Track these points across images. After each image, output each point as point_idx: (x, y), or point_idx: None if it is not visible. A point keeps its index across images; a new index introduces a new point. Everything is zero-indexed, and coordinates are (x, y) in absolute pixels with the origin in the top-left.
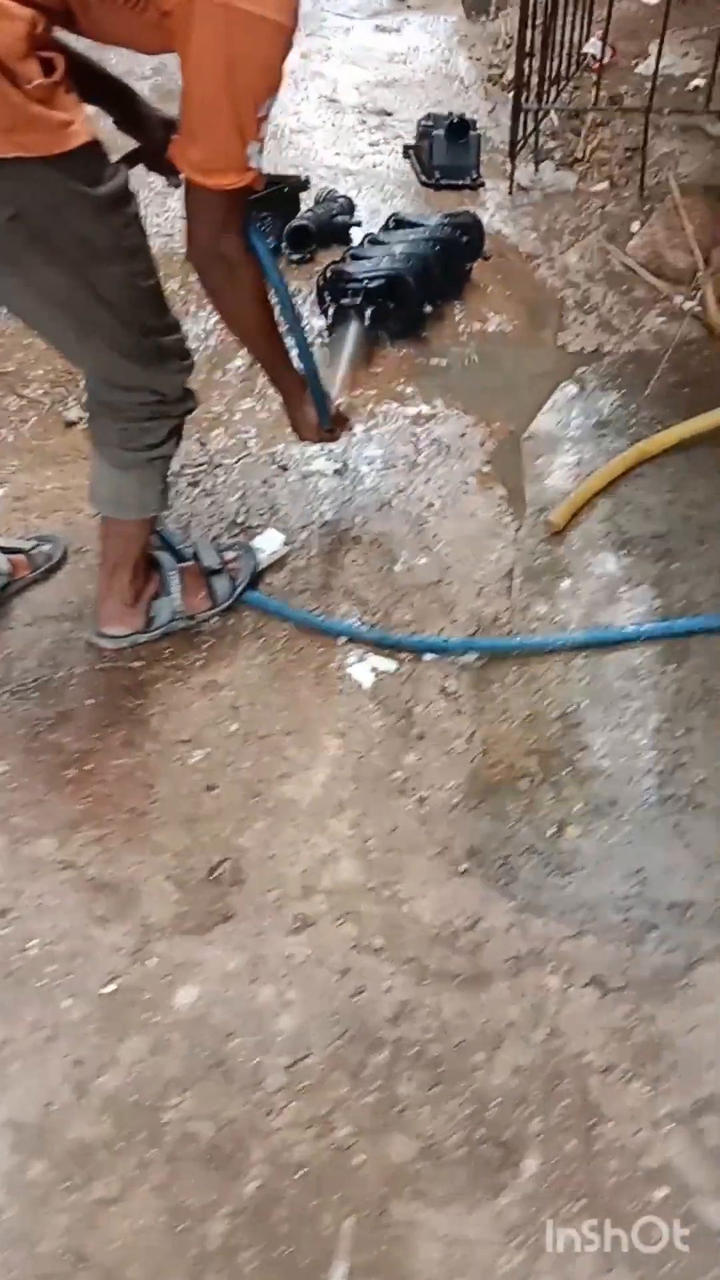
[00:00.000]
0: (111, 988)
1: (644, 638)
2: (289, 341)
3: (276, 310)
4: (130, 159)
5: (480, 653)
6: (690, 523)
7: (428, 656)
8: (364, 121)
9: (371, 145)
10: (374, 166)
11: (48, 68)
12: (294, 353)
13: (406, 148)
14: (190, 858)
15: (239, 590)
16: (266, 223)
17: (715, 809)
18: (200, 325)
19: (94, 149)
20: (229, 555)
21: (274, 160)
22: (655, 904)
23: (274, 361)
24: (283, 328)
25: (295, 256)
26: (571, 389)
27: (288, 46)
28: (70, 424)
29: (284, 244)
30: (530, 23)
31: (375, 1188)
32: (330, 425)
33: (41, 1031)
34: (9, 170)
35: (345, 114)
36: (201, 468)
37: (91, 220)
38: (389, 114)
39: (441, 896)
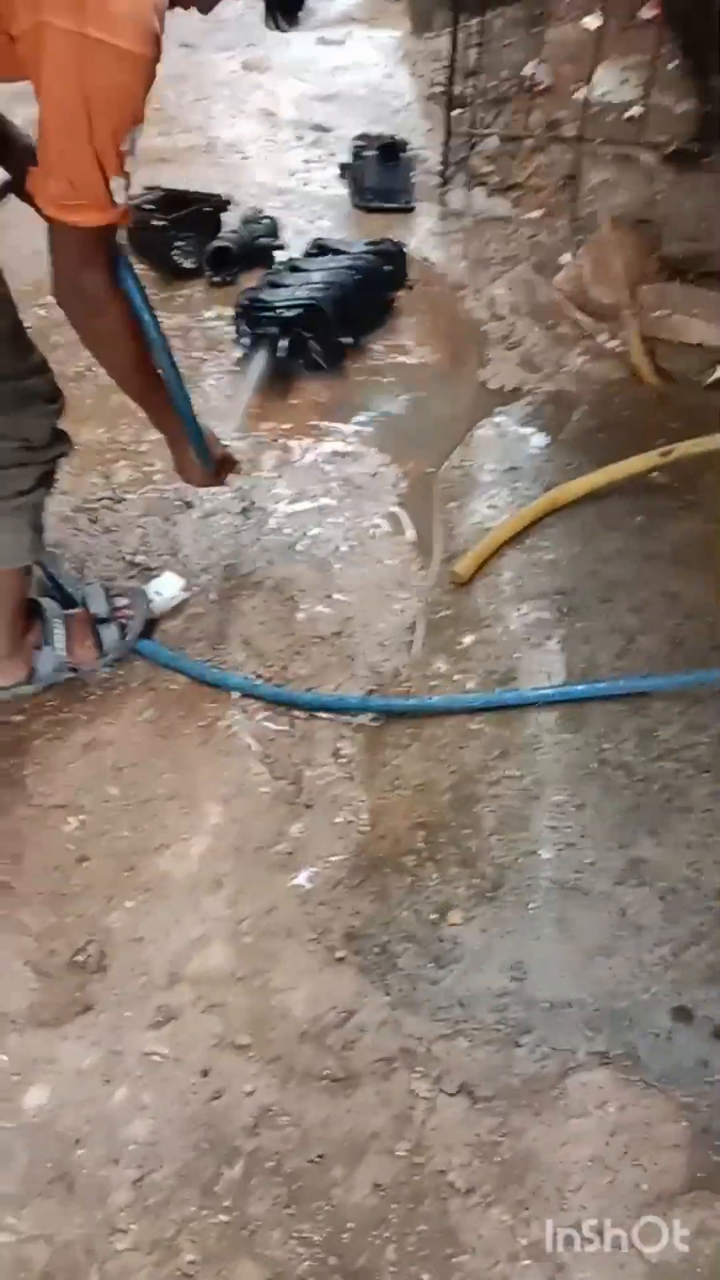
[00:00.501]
0: None
1: (541, 702)
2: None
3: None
4: (0, 190)
5: (376, 713)
6: (597, 578)
7: (323, 714)
8: (300, 137)
9: (305, 163)
10: (306, 185)
11: None
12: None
13: (342, 166)
14: (53, 940)
15: (129, 640)
16: (189, 243)
17: (602, 895)
18: None
19: None
20: (120, 602)
21: (204, 175)
22: (532, 1003)
23: (149, 403)
24: (158, 368)
25: (216, 279)
26: (488, 429)
27: (149, 76)
28: None
29: (205, 265)
30: (459, 44)
31: None
32: (214, 468)
33: None
34: None
35: (281, 129)
36: (102, 502)
37: None
38: (326, 130)
39: (315, 987)
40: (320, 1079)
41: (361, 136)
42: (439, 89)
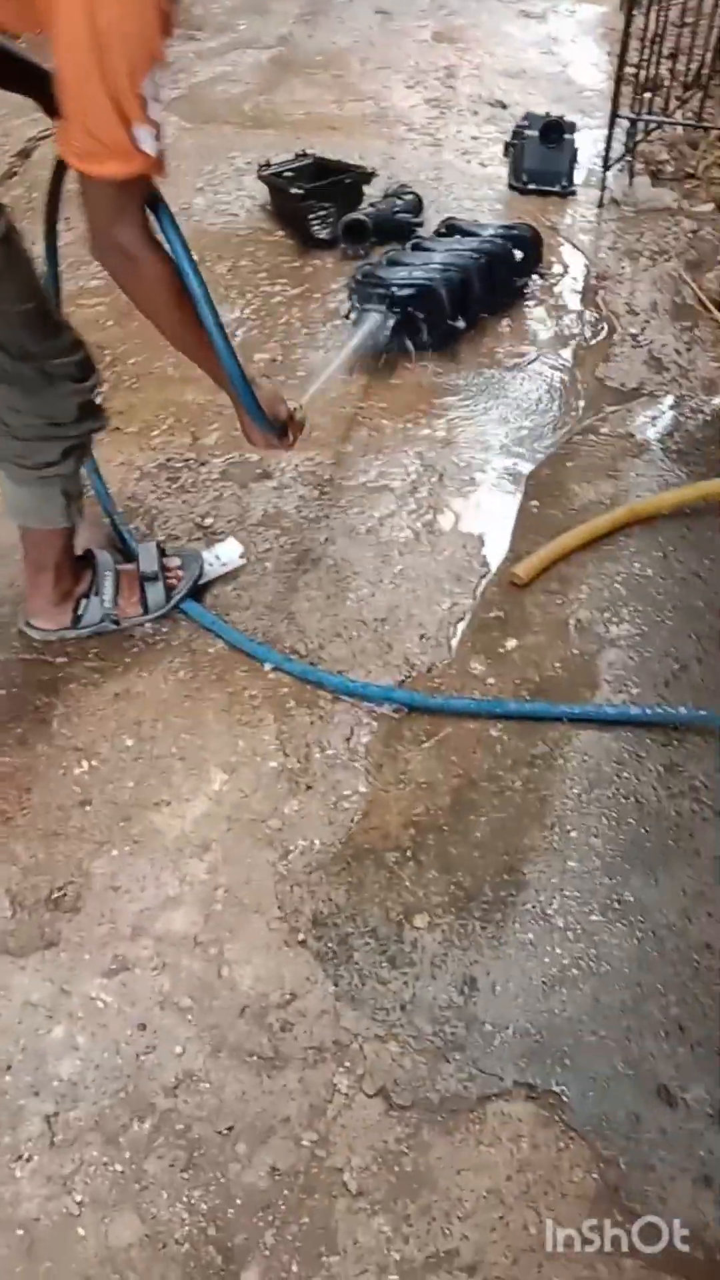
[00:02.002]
0: None
1: (567, 719)
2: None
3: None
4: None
5: (398, 704)
6: (663, 598)
7: (345, 698)
8: (475, 113)
9: (473, 139)
10: (468, 163)
11: None
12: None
13: (507, 145)
14: (37, 875)
15: (175, 601)
16: (328, 213)
17: (576, 926)
18: (234, 312)
19: None
20: (172, 563)
21: (366, 145)
22: (473, 1021)
23: (201, 360)
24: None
25: (349, 251)
26: (595, 428)
27: (163, 17)
28: None
29: (339, 236)
30: (663, 23)
31: (84, 1266)
32: (277, 430)
33: None
34: None
35: (457, 103)
36: (187, 462)
37: None
38: (504, 106)
39: (267, 965)
40: (249, 1055)
41: (526, 115)
42: (633, 70)
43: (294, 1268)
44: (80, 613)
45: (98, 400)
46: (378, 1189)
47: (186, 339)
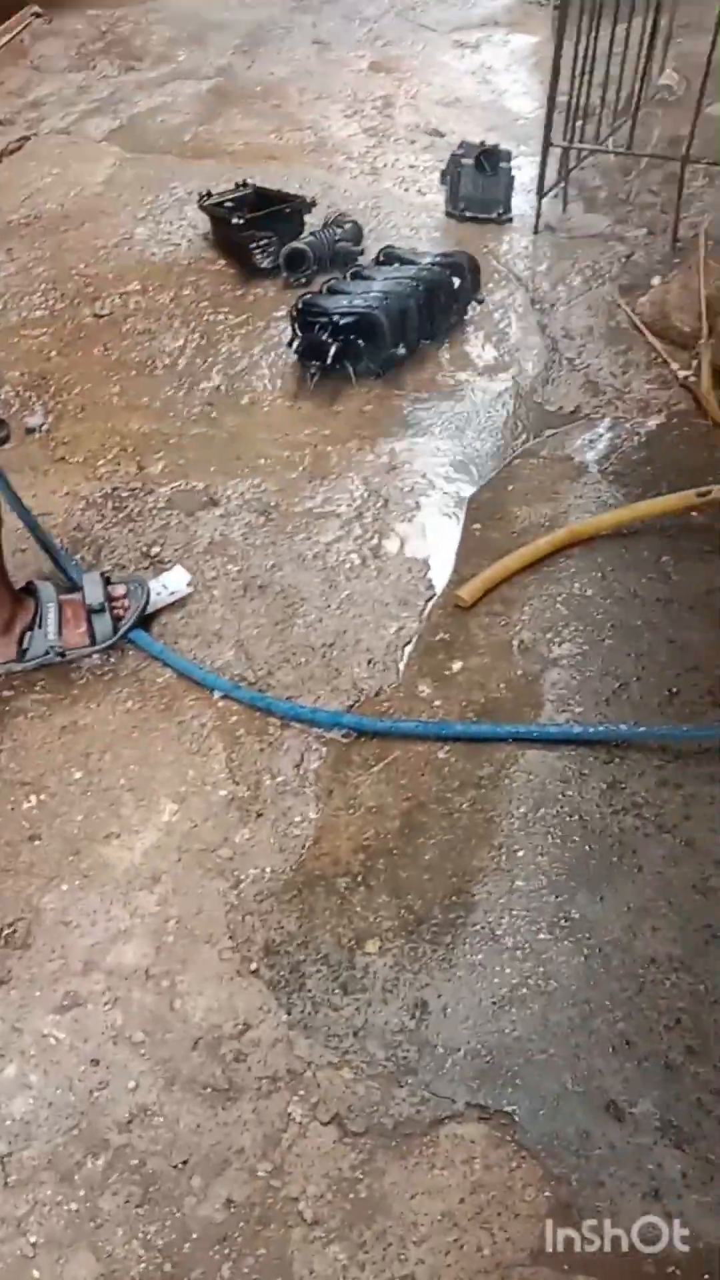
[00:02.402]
0: None
1: (512, 739)
2: None
3: None
4: None
5: (346, 729)
6: (604, 617)
7: (295, 723)
8: (412, 141)
9: (410, 168)
10: (405, 191)
11: None
12: None
13: (444, 173)
14: None
15: (122, 631)
16: (269, 243)
17: (524, 946)
18: (177, 341)
19: None
20: (117, 591)
21: (304, 175)
22: (425, 1045)
23: None
24: None
25: (291, 280)
26: (534, 452)
27: None
28: (29, 430)
29: (281, 265)
30: (592, 53)
31: None
32: None
33: None
34: None
35: (394, 132)
36: (133, 491)
37: None
38: (440, 135)
39: (219, 996)
40: (204, 1087)
41: (461, 144)
42: (564, 98)
43: None
44: (25, 646)
45: None
46: (333, 1217)
47: None
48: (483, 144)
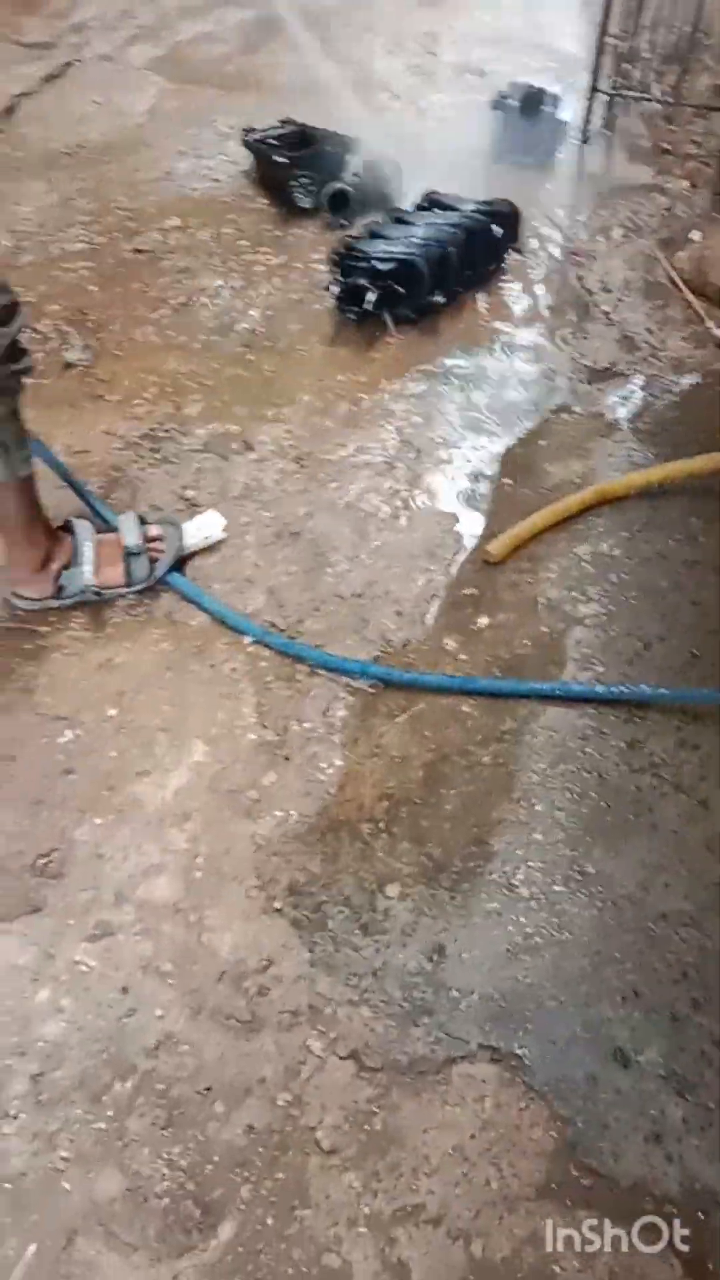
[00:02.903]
0: None
1: (535, 696)
2: None
3: None
4: None
5: (373, 679)
6: (630, 577)
7: (323, 672)
8: (455, 80)
9: (455, 107)
10: (445, 131)
11: None
12: None
13: (490, 110)
14: (22, 841)
15: (158, 574)
16: (311, 182)
17: (539, 896)
18: (216, 280)
19: None
20: (152, 532)
21: (345, 112)
22: (441, 987)
23: None
24: None
25: (331, 220)
26: (567, 407)
27: None
28: (68, 365)
29: (323, 205)
30: None
31: (70, 1218)
32: None
33: None
34: None
35: (438, 69)
36: (169, 432)
37: None
38: (483, 74)
39: (245, 932)
40: (227, 1018)
41: (509, 85)
42: (614, 40)
43: (269, 1221)
44: (62, 583)
45: (20, 343)
46: (349, 1147)
47: None
48: (529, 86)
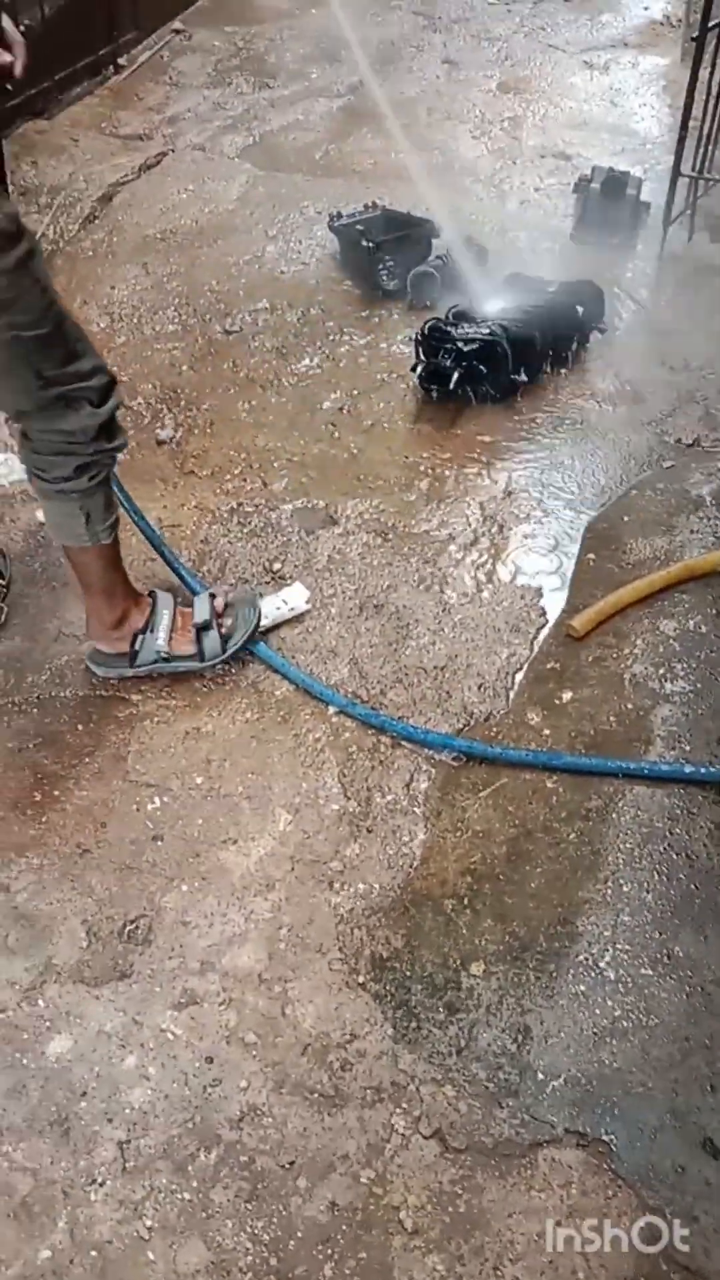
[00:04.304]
0: None
1: (621, 774)
2: None
3: None
4: None
5: (457, 752)
6: (715, 659)
7: (406, 743)
8: (538, 164)
9: (536, 191)
10: (530, 214)
11: None
12: None
13: (572, 192)
14: (112, 907)
15: (230, 650)
16: (396, 265)
17: (627, 979)
18: (303, 360)
19: None
20: (220, 606)
21: (431, 196)
22: (526, 1068)
23: None
24: None
25: (415, 302)
26: (652, 484)
27: None
28: (160, 443)
29: (407, 288)
30: (696, 76)
31: None
32: None
33: None
34: None
35: (522, 154)
36: (257, 507)
37: None
38: (567, 158)
39: (328, 1005)
40: (311, 1092)
41: (591, 169)
42: (694, 122)
43: None
44: (137, 648)
45: (116, 420)
46: (433, 1228)
47: None
48: (611, 169)
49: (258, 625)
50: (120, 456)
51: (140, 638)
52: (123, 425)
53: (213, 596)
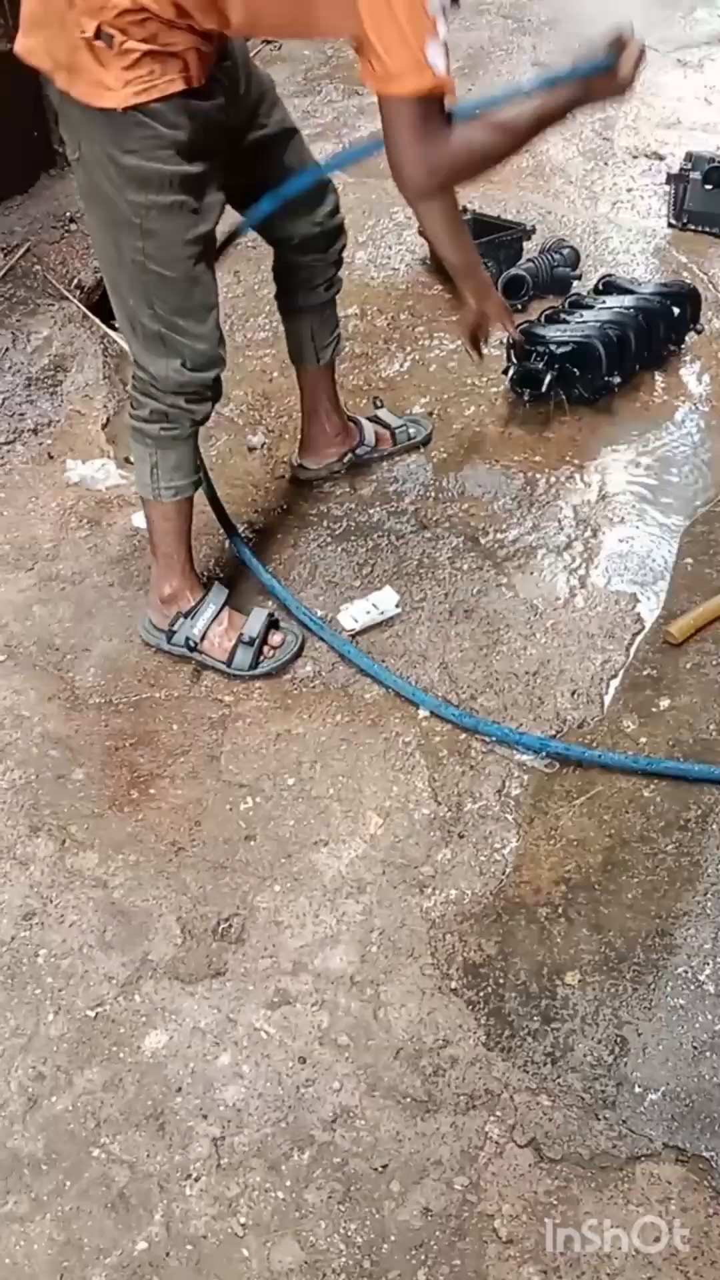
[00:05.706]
0: (93, 1014)
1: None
2: None
3: None
4: None
5: (551, 757)
6: None
7: (498, 749)
8: (630, 164)
9: (629, 191)
10: (623, 215)
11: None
12: None
13: (669, 176)
14: (206, 905)
15: (255, 672)
16: (487, 269)
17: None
18: (393, 365)
19: (135, 119)
20: (275, 638)
21: (523, 198)
22: (624, 1081)
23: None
24: None
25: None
26: None
27: None
28: (251, 449)
29: (500, 291)
30: None
31: None
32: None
33: (19, 1038)
34: (73, 111)
35: (613, 154)
36: (347, 512)
37: (114, 185)
38: (660, 158)
39: (420, 1010)
40: (404, 1096)
41: (689, 156)
42: None
43: None
44: (174, 628)
45: (204, 391)
46: (528, 1237)
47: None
48: (712, 158)
49: (296, 658)
50: (196, 422)
51: (181, 619)
52: (210, 398)
53: (274, 621)
